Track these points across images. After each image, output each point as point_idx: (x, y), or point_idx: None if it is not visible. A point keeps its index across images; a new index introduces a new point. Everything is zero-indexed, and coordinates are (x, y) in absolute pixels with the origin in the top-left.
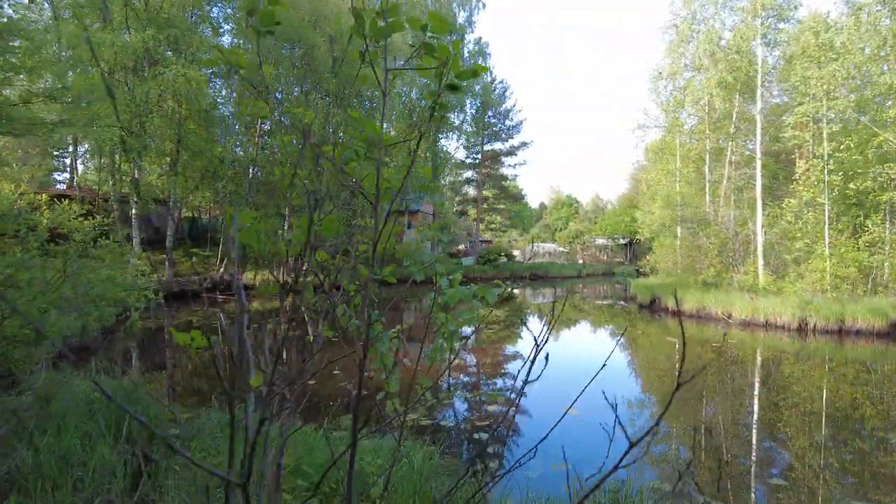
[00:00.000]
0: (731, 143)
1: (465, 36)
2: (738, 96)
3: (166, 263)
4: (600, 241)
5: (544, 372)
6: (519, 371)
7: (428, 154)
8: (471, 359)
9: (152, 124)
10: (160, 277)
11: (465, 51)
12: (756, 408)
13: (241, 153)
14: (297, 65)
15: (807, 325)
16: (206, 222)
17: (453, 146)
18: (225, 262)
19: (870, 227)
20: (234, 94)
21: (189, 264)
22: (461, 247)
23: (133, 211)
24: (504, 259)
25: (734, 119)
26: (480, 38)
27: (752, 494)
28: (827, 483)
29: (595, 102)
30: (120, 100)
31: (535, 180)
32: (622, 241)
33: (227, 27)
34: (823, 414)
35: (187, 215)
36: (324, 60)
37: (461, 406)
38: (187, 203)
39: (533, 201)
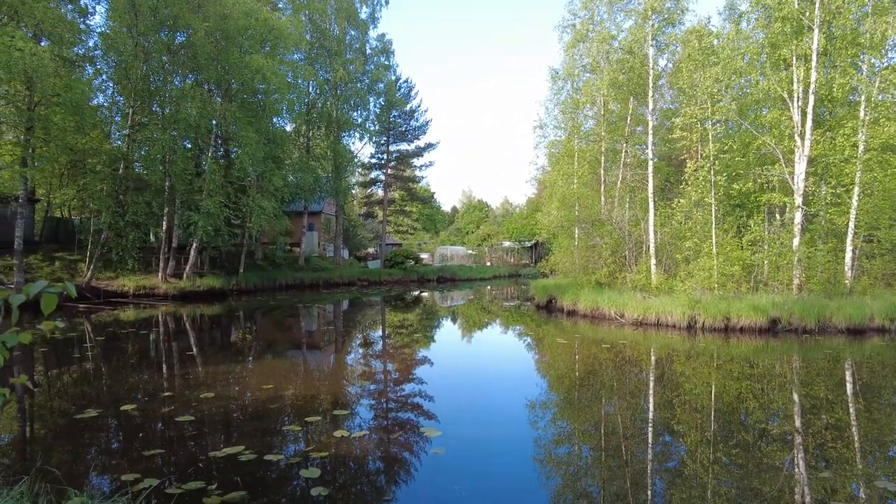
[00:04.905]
0: (625, 144)
1: (368, 32)
2: (632, 99)
3: (14, 269)
4: (507, 243)
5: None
6: None
7: (329, 152)
8: (378, 364)
9: None
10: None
11: (368, 48)
12: (651, 406)
13: (122, 146)
14: (176, 52)
15: (696, 323)
16: (76, 223)
17: (357, 145)
18: (92, 267)
19: (751, 226)
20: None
21: (49, 270)
22: (370, 250)
23: None
24: (412, 262)
25: (628, 121)
26: (384, 35)
27: (649, 492)
28: (716, 475)
29: (510, 103)
30: None
31: (448, 184)
32: (528, 244)
33: (99, 7)
34: (712, 409)
35: (55, 215)
36: (203, 47)
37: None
38: (52, 201)
39: (446, 205)
